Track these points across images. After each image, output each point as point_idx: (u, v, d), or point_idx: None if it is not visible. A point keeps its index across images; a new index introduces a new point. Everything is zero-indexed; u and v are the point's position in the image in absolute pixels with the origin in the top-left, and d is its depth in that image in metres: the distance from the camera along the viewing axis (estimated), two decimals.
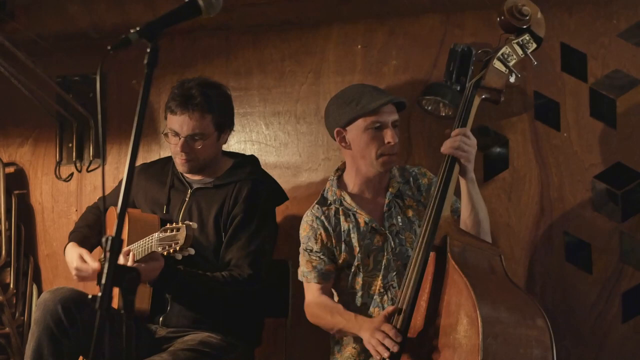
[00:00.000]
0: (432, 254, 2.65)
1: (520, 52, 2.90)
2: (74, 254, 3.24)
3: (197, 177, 3.35)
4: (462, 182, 2.82)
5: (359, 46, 3.76)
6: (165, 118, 3.29)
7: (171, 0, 1.92)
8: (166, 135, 3.27)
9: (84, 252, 3.24)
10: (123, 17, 3.87)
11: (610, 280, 3.37)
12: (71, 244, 3.34)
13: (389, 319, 2.66)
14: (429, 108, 3.54)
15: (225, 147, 3.50)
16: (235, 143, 3.94)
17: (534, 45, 2.93)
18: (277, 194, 3.42)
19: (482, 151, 3.54)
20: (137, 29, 1.80)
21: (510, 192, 3.50)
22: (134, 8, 3.83)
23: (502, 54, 2.89)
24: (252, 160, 3.48)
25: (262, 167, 3.54)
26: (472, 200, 2.83)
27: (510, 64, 2.89)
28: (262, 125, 3.92)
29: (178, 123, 3.19)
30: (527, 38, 2.92)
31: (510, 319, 2.49)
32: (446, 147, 2.76)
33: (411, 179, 3.15)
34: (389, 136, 3.00)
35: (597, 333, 3.37)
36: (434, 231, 2.64)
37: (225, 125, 3.29)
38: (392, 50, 3.71)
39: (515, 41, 2.91)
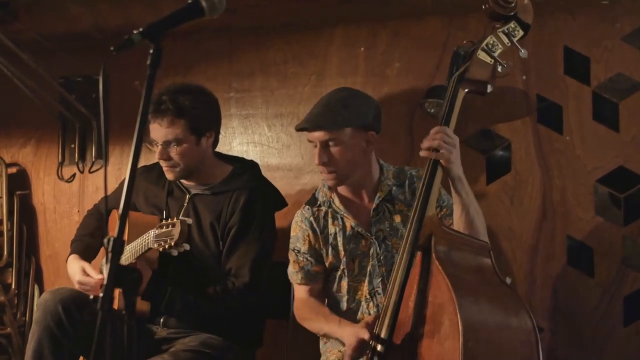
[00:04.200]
0: (418, 254, 2.61)
1: (506, 40, 2.78)
2: (76, 268, 3.25)
3: (193, 183, 3.34)
4: (450, 181, 2.72)
5: (362, 48, 3.76)
6: None
7: (174, 2, 1.92)
8: (149, 143, 3.26)
9: (86, 265, 3.24)
10: (126, 18, 3.87)
11: (612, 284, 3.36)
12: (73, 256, 3.34)
13: (371, 326, 2.67)
14: (432, 111, 3.54)
15: (227, 150, 3.49)
16: (238, 145, 3.94)
17: (521, 33, 2.80)
18: (275, 202, 3.39)
19: (485, 154, 3.54)
20: (140, 30, 1.79)
21: (513, 196, 3.50)
22: (137, 9, 3.83)
23: (486, 44, 2.76)
24: (251, 166, 3.45)
25: (264, 168, 3.53)
26: (461, 200, 2.72)
27: (496, 53, 2.76)
28: (265, 127, 3.92)
29: (153, 131, 3.19)
30: (512, 26, 2.79)
31: (493, 321, 2.45)
32: (423, 148, 2.65)
33: (407, 181, 3.06)
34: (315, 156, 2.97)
35: (599, 337, 3.37)
36: (418, 231, 2.57)
37: (203, 129, 3.22)
38: (395, 52, 3.71)
39: (500, 29, 2.79)
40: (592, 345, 3.37)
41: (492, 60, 2.76)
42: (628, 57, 3.39)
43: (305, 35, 3.87)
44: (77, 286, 3.22)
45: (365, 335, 2.67)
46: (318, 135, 2.94)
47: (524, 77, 3.49)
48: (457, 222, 2.77)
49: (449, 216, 2.92)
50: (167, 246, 2.82)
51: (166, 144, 3.17)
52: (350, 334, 2.77)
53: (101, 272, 3.22)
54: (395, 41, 3.72)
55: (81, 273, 3.20)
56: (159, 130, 3.16)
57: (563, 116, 3.46)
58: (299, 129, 3.00)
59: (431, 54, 3.64)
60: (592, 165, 3.41)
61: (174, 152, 3.18)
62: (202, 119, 3.21)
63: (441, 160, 2.62)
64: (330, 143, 2.92)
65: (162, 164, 3.24)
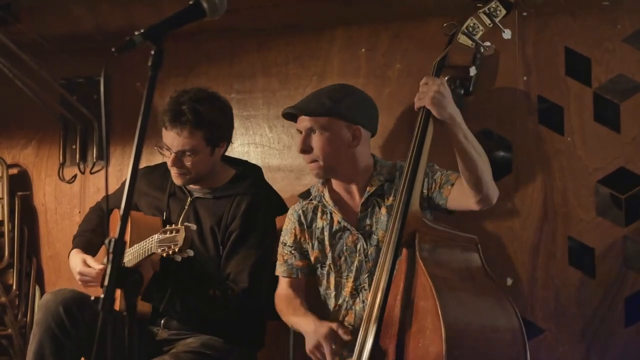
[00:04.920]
0: (404, 251, 2.59)
1: (488, 21, 2.74)
2: (77, 260, 3.26)
3: (196, 187, 3.34)
4: (447, 127, 2.65)
5: (363, 50, 3.76)
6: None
7: (175, 3, 1.92)
8: (161, 148, 3.26)
9: (88, 257, 3.25)
10: (127, 20, 3.88)
11: (614, 285, 3.36)
12: (75, 250, 3.35)
13: (333, 332, 2.72)
14: None
15: (228, 151, 3.50)
16: (239, 146, 3.94)
17: (504, 12, 2.76)
18: (277, 207, 3.39)
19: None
20: (142, 31, 1.79)
21: (514, 197, 3.49)
22: (138, 10, 3.84)
23: (466, 27, 2.74)
24: (255, 171, 3.46)
25: (265, 169, 3.53)
26: (460, 145, 2.64)
27: (477, 36, 2.73)
28: (266, 128, 3.92)
29: (169, 138, 3.19)
30: (494, 5, 2.75)
31: (479, 324, 2.42)
32: (416, 103, 2.65)
33: (397, 175, 3.04)
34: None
35: (600, 337, 3.36)
36: (402, 229, 2.57)
37: (218, 140, 3.25)
38: (397, 54, 3.71)
39: (482, 10, 2.75)
40: (594, 346, 3.37)
41: (473, 44, 2.72)
42: (629, 58, 3.39)
43: (306, 37, 3.87)
44: (77, 277, 3.23)
45: (324, 341, 2.72)
46: (302, 121, 2.98)
47: (525, 78, 3.49)
48: (463, 172, 2.72)
49: (447, 183, 2.89)
50: (170, 252, 2.82)
51: (181, 153, 3.17)
52: (311, 332, 2.83)
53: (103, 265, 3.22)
54: (397, 42, 3.72)
55: (82, 264, 3.21)
56: (175, 139, 3.15)
57: (564, 117, 3.45)
58: (285, 113, 3.05)
59: (432, 56, 3.60)
60: (593, 166, 3.41)
61: (188, 161, 3.18)
62: (219, 131, 3.23)
63: (427, 105, 2.61)
64: (313, 131, 2.96)
65: (173, 170, 3.23)
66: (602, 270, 3.37)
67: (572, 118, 3.44)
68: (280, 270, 3.14)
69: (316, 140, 2.95)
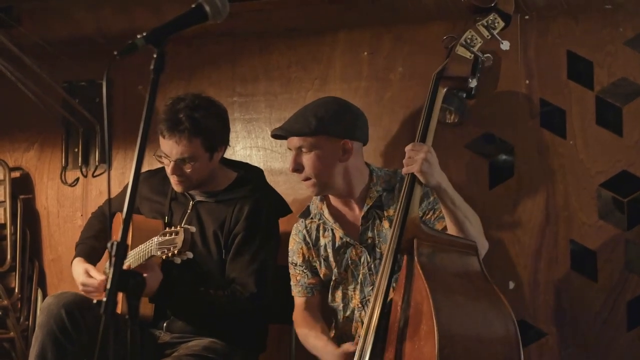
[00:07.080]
0: (404, 257, 2.60)
1: (486, 33, 2.73)
2: (79, 270, 3.24)
3: (197, 191, 3.34)
4: (436, 195, 2.72)
5: (365, 53, 3.76)
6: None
7: (177, 6, 1.92)
8: (159, 156, 3.25)
9: (90, 268, 3.23)
10: (129, 23, 3.88)
11: (616, 288, 3.35)
12: (77, 259, 3.33)
13: (348, 356, 2.72)
14: None
15: (230, 154, 3.49)
16: (241, 149, 3.94)
17: (502, 24, 2.75)
18: (280, 210, 3.40)
19: (488, 158, 3.53)
20: (144, 34, 1.79)
21: (516, 200, 3.49)
22: (140, 14, 3.84)
23: (464, 39, 2.73)
24: (256, 174, 3.46)
25: (268, 173, 3.53)
26: (447, 208, 2.69)
27: (475, 48, 2.72)
28: (268, 131, 3.91)
29: (167, 147, 3.18)
30: (492, 18, 2.74)
31: (473, 328, 2.40)
32: (404, 169, 2.67)
33: (397, 185, 3.00)
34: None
35: (602, 341, 3.36)
36: (401, 236, 2.56)
37: (216, 145, 3.23)
38: (399, 57, 3.71)
39: (480, 22, 2.75)
40: (595, 350, 3.37)
41: (472, 55, 2.73)
42: (631, 61, 3.39)
43: (308, 40, 3.87)
44: (80, 288, 3.22)
45: None
46: (291, 140, 2.97)
47: (527, 82, 3.49)
48: (449, 228, 2.75)
49: (442, 219, 2.87)
50: (170, 254, 2.82)
51: (181, 161, 3.17)
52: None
53: (105, 275, 3.22)
54: (399, 46, 3.72)
55: (84, 275, 3.20)
56: (174, 148, 3.15)
57: (566, 120, 3.45)
58: (273, 135, 3.03)
59: (434, 59, 3.61)
60: (595, 170, 3.41)
61: (187, 168, 3.18)
62: (217, 136, 3.22)
63: (413, 172, 2.61)
64: (303, 150, 2.94)
65: (173, 178, 3.23)
66: (604, 274, 3.37)
67: (574, 121, 3.44)
68: (295, 291, 3.14)
69: (307, 159, 2.93)
